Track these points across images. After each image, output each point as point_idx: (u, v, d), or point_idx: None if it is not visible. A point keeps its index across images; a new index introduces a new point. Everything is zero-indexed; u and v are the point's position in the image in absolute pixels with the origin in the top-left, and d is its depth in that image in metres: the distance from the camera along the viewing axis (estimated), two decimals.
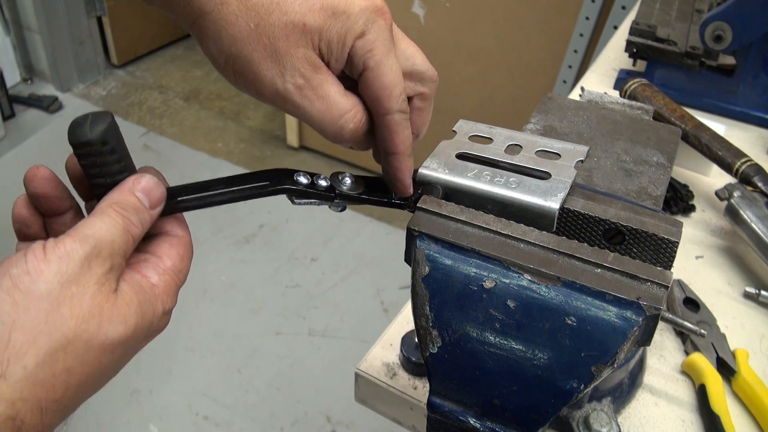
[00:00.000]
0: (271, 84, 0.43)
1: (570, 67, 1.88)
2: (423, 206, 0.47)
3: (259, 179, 0.46)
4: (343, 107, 0.45)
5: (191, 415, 1.79)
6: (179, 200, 0.43)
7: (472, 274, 0.44)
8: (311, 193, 0.47)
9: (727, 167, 0.83)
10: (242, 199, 0.45)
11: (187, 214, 0.45)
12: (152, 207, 0.41)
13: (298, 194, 0.46)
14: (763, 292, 0.74)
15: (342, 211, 0.49)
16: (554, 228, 0.47)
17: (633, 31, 1.04)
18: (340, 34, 0.43)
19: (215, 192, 0.44)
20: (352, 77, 0.46)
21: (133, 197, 0.40)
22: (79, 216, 0.43)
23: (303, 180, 0.47)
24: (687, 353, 0.68)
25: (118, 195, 0.40)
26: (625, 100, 0.75)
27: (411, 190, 0.50)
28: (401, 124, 0.46)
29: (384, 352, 0.67)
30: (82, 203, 0.45)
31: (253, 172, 0.46)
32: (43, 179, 0.41)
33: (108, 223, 0.38)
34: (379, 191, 0.50)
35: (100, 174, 0.40)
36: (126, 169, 0.41)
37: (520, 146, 0.52)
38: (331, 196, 0.47)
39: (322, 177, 0.48)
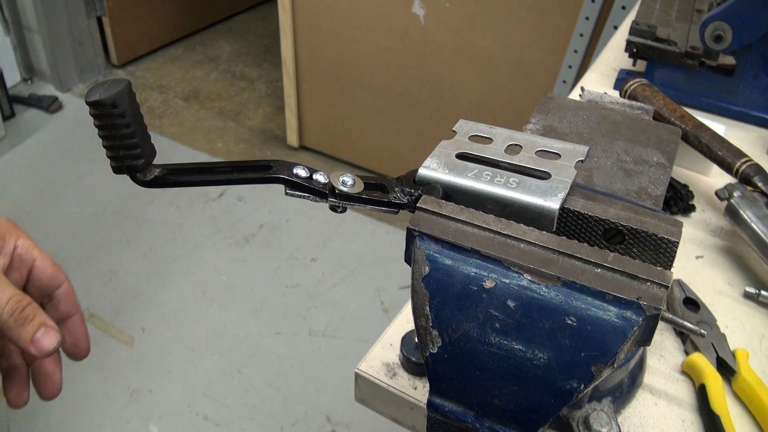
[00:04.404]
0: None
1: (570, 67, 1.88)
2: (423, 206, 0.47)
3: (258, 167, 0.48)
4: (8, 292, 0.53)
5: (191, 415, 1.79)
6: (182, 178, 0.46)
7: (472, 274, 0.44)
8: (304, 187, 0.47)
9: (727, 167, 0.83)
10: (240, 183, 0.47)
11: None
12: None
13: (292, 185, 0.47)
14: (763, 292, 0.74)
15: (342, 212, 0.49)
16: (554, 228, 0.47)
17: (633, 31, 1.04)
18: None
19: (215, 175, 0.47)
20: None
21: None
22: None
23: (301, 173, 0.47)
24: (687, 353, 0.68)
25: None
26: (625, 100, 0.75)
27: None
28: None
29: (384, 352, 0.67)
30: None
31: (256, 160, 0.48)
32: None
33: None
34: (378, 191, 0.50)
35: (109, 135, 0.42)
36: (135, 134, 0.42)
37: (520, 146, 0.52)
38: (325, 193, 0.48)
39: (321, 173, 0.48)
